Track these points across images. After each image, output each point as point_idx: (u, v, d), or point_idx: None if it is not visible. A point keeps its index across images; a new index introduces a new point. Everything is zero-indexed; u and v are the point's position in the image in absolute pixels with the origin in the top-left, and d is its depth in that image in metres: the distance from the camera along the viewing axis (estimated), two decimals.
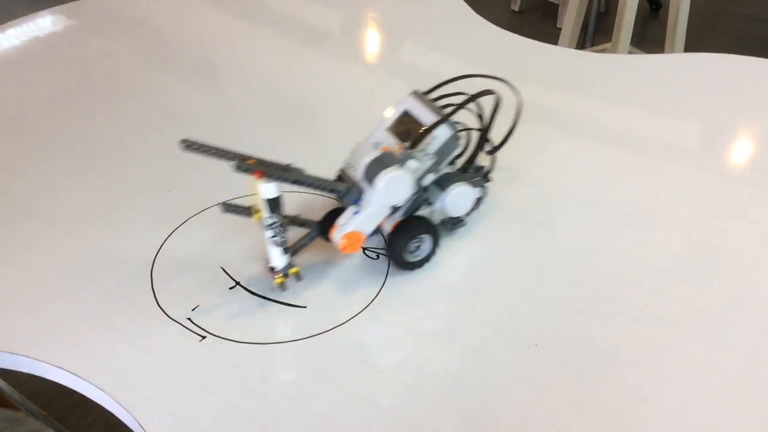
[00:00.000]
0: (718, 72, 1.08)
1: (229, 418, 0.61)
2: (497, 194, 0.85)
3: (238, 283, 0.74)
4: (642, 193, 0.85)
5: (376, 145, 0.74)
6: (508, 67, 1.11)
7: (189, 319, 0.70)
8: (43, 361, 0.66)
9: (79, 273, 0.75)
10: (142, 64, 1.13)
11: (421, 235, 0.74)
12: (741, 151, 0.93)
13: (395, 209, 0.73)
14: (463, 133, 0.77)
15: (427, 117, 0.73)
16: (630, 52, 2.10)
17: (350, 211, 0.71)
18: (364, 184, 0.71)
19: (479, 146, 0.78)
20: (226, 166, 0.90)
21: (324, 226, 0.74)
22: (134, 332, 0.69)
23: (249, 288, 0.73)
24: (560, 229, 0.80)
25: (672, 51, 2.12)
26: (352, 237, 0.70)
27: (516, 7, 2.98)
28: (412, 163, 0.71)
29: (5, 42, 1.19)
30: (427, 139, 0.72)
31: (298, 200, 0.84)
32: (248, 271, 0.75)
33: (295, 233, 0.74)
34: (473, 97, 0.74)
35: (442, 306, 0.71)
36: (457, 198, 0.75)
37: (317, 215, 0.76)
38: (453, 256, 0.77)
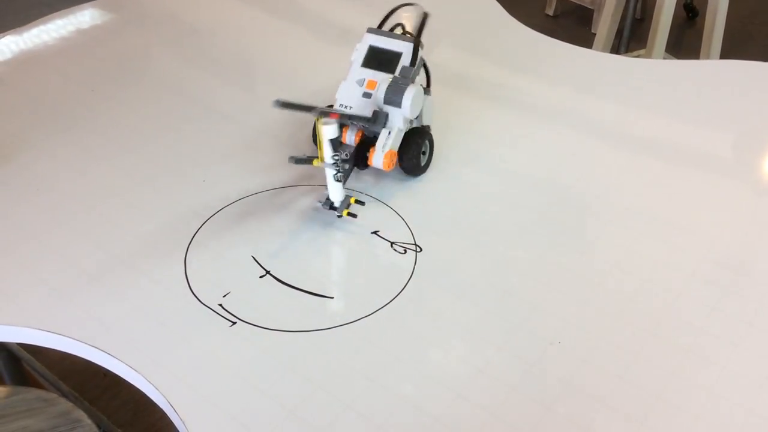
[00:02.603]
0: (753, 80, 1.07)
1: (257, 402, 0.62)
2: (525, 196, 0.86)
3: (268, 272, 0.75)
4: (671, 199, 0.85)
5: (360, 82, 0.86)
6: (542, 69, 1.11)
7: (220, 305, 0.72)
8: (81, 341, 0.68)
9: (116, 257, 0.78)
10: (179, 57, 1.16)
11: (425, 142, 0.87)
12: None
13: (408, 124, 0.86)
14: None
15: (396, 45, 0.87)
16: (665, 59, 2.08)
17: (384, 134, 0.84)
18: (387, 108, 0.83)
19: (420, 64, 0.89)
20: (257, 158, 0.92)
21: (357, 160, 0.85)
22: (167, 316, 0.71)
23: (279, 277, 0.75)
24: (588, 231, 0.81)
25: (708, 59, 2.10)
26: (391, 155, 0.83)
27: (551, 12, 2.97)
28: (418, 79, 0.85)
29: (49, 33, 1.22)
30: (417, 60, 0.85)
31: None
32: (278, 261, 0.77)
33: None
34: (422, 23, 0.87)
35: (467, 301, 0.72)
36: (428, 107, 0.89)
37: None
38: (479, 254, 0.78)
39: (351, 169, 0.85)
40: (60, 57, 1.15)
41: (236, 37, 1.22)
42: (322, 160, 0.78)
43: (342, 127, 0.84)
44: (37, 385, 1.24)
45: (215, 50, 1.18)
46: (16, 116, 1.01)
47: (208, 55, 1.16)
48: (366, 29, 0.89)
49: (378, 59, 0.87)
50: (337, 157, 0.77)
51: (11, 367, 1.20)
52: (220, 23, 1.26)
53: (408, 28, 0.90)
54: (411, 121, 0.87)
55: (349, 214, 0.81)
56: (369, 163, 0.84)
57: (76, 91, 1.07)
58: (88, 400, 1.30)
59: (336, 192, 0.80)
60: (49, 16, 1.27)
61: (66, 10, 1.28)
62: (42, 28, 1.23)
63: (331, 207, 0.81)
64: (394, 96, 0.82)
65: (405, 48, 0.86)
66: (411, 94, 0.81)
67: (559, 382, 0.64)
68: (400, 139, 0.85)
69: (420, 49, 0.86)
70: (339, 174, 0.79)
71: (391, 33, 0.88)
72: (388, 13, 0.92)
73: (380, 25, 0.91)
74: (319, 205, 0.82)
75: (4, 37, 1.20)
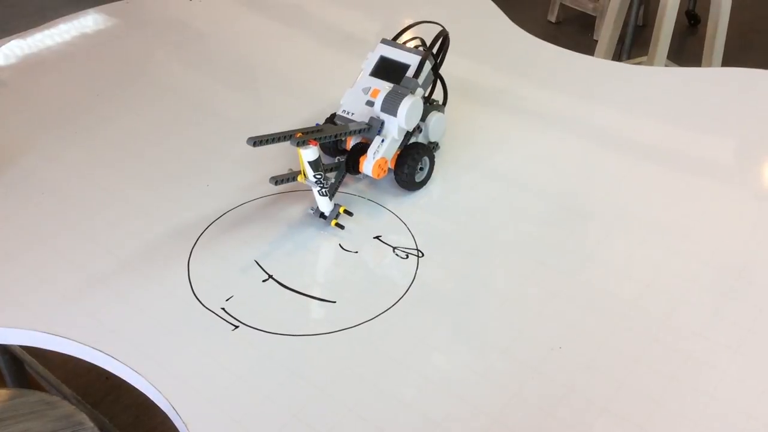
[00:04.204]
0: (754, 87, 1.08)
1: (259, 405, 0.63)
2: (526, 202, 0.86)
3: (271, 277, 0.76)
4: (672, 205, 0.86)
5: (366, 90, 0.86)
6: (544, 75, 1.12)
7: (223, 308, 0.72)
8: (85, 344, 0.68)
9: (120, 261, 0.78)
10: (183, 62, 1.16)
11: (423, 158, 0.86)
12: None
13: (405, 137, 0.86)
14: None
15: (406, 57, 0.87)
16: (666, 66, 2.09)
17: (377, 141, 0.84)
18: (383, 116, 0.83)
19: (435, 81, 0.91)
20: (261, 163, 0.92)
21: (348, 165, 0.85)
22: (170, 319, 0.71)
23: (281, 281, 0.75)
24: (589, 237, 0.81)
25: (709, 66, 2.10)
26: (381, 163, 0.84)
27: (553, 18, 2.98)
28: (419, 91, 0.84)
29: (54, 38, 1.23)
30: (421, 73, 0.85)
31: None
32: (281, 265, 0.77)
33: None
34: (436, 38, 0.88)
35: (470, 306, 0.72)
36: (437, 124, 0.90)
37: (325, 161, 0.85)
38: (481, 259, 0.78)
39: (342, 178, 0.85)
40: (65, 61, 1.16)
41: (240, 42, 1.23)
42: (305, 177, 0.79)
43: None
44: (40, 388, 1.25)
45: (219, 55, 1.19)
46: (21, 120, 1.02)
47: (213, 60, 1.17)
48: (380, 39, 0.89)
49: (386, 70, 0.87)
50: (319, 176, 0.78)
51: (14, 370, 1.20)
52: (224, 28, 1.27)
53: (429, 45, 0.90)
54: (410, 134, 0.87)
55: (337, 224, 0.82)
56: (360, 169, 0.84)
57: (80, 95, 1.07)
58: (90, 403, 1.30)
59: (324, 204, 0.81)
60: (54, 21, 1.27)
61: (71, 15, 1.29)
62: (47, 32, 1.24)
63: (321, 215, 0.82)
64: (390, 105, 0.82)
65: (414, 61, 0.86)
66: (407, 104, 0.81)
67: (560, 387, 0.64)
68: (395, 149, 0.85)
69: (429, 62, 0.86)
70: (324, 190, 0.80)
71: (403, 45, 0.89)
72: (407, 27, 0.93)
73: (396, 38, 0.91)
74: (311, 212, 0.83)
75: (9, 41, 1.20)
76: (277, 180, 0.79)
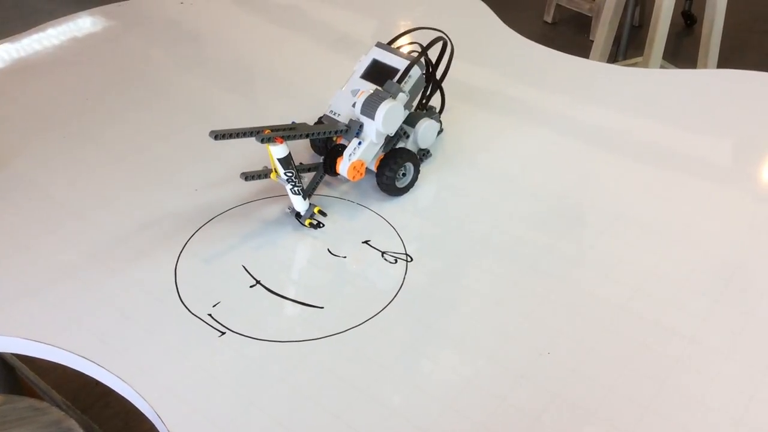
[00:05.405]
0: (750, 89, 1.07)
1: (245, 413, 0.62)
2: (518, 205, 0.86)
3: (258, 282, 0.75)
4: (666, 207, 0.85)
5: (354, 92, 0.85)
6: (537, 77, 1.11)
7: (210, 314, 0.72)
8: (70, 351, 0.68)
9: (107, 266, 0.77)
10: (176, 65, 1.16)
11: (406, 163, 0.85)
12: None
13: (386, 140, 0.85)
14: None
15: (397, 62, 0.86)
16: (662, 67, 2.08)
17: (354, 143, 0.83)
18: (363, 119, 0.82)
19: (434, 88, 0.92)
20: (251, 167, 0.91)
21: (326, 166, 0.85)
22: (157, 325, 0.70)
23: (269, 287, 0.75)
24: (581, 240, 0.81)
25: (705, 67, 2.09)
26: (357, 165, 0.83)
27: (549, 19, 2.98)
28: (402, 96, 0.83)
29: (44, 41, 1.22)
30: (406, 78, 0.84)
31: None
32: (269, 271, 0.77)
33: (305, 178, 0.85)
34: (430, 44, 0.87)
35: (457, 311, 0.72)
36: (426, 131, 0.88)
37: (314, 161, 0.89)
38: (470, 264, 0.78)
39: (320, 178, 0.85)
40: (56, 65, 1.15)
41: (236, 44, 1.22)
42: (277, 175, 0.79)
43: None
44: (31, 394, 1.24)
45: (214, 58, 1.18)
46: (9, 124, 1.01)
47: (206, 64, 1.16)
48: (375, 43, 0.89)
49: (377, 73, 0.87)
50: (290, 174, 0.78)
51: (5, 376, 1.20)
52: (219, 30, 1.26)
53: (429, 53, 0.89)
54: (393, 139, 0.86)
55: (310, 224, 0.82)
56: (336, 170, 0.84)
57: (71, 99, 1.07)
58: (80, 408, 1.29)
59: (298, 203, 0.82)
60: (47, 23, 1.27)
61: (63, 18, 1.28)
62: (42, 34, 1.23)
63: (297, 215, 0.83)
64: (369, 108, 0.81)
65: (403, 65, 0.86)
66: (385, 108, 0.80)
67: (548, 393, 0.64)
68: (375, 153, 0.85)
69: (420, 68, 0.86)
70: (297, 188, 0.80)
71: (396, 50, 0.88)
72: (403, 32, 0.93)
73: (391, 42, 0.91)
74: (288, 211, 0.83)
75: (1, 44, 1.20)
76: (247, 176, 0.79)
